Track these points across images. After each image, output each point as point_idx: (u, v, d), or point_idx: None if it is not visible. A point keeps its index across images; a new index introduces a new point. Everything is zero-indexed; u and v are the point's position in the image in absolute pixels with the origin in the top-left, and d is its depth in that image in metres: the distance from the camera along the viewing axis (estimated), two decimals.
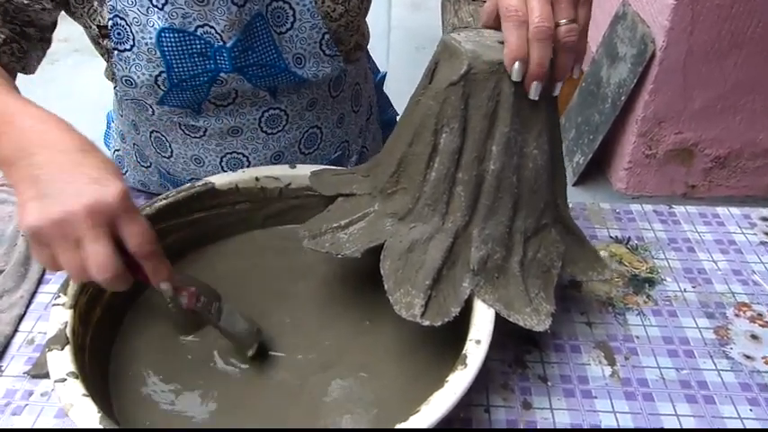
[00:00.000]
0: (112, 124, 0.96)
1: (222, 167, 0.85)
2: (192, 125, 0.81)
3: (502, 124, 0.57)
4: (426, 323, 0.55)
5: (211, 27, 0.72)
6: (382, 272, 0.58)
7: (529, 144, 0.59)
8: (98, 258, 0.50)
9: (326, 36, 0.78)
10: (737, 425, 0.61)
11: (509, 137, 0.57)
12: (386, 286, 0.57)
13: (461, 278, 0.58)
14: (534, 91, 0.56)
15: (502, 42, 0.57)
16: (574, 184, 2.29)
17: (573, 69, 0.58)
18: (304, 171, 0.73)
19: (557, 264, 0.62)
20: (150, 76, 0.74)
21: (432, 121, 0.58)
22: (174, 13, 0.71)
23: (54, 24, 0.76)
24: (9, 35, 0.70)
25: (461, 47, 0.56)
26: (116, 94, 0.86)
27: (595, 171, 2.32)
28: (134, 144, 0.90)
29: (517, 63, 0.54)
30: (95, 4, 0.72)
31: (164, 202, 0.69)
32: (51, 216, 0.49)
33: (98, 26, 0.74)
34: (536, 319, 0.57)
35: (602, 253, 0.80)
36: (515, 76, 0.55)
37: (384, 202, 0.63)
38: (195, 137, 0.82)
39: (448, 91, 0.57)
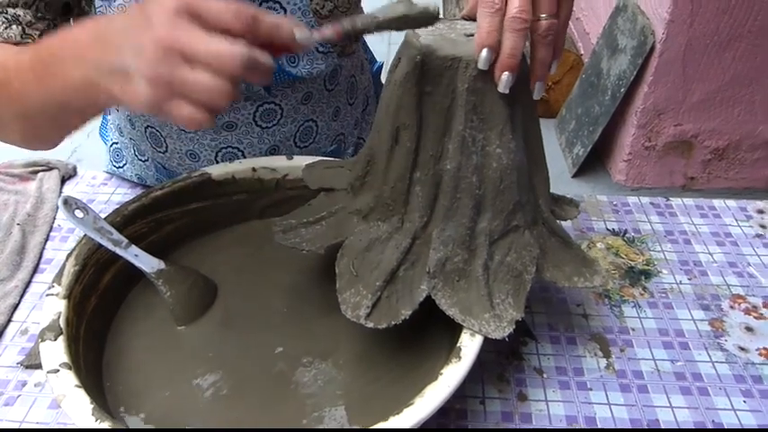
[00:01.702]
0: (109, 117, 0.96)
1: (217, 162, 0.84)
2: None
3: (456, 122, 0.55)
4: (370, 325, 0.54)
5: None
6: (336, 270, 0.57)
7: (491, 143, 0.56)
8: (218, 50, 0.44)
9: None
10: (731, 417, 0.61)
11: (464, 135, 0.55)
12: (337, 285, 0.57)
13: (419, 280, 0.56)
14: (505, 83, 0.52)
15: (471, 35, 0.55)
16: (573, 176, 2.29)
17: (541, 83, 0.55)
18: (301, 162, 0.73)
19: (530, 268, 0.59)
20: None
21: (391, 119, 0.57)
22: None
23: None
24: (43, 30, 0.69)
25: (418, 41, 0.54)
26: None
27: (595, 162, 2.31)
28: (130, 138, 0.90)
29: (485, 50, 0.51)
30: (83, 3, 0.71)
31: (160, 192, 0.69)
32: (149, 66, 0.44)
33: None
34: (494, 326, 0.54)
35: (599, 245, 0.80)
36: (482, 64, 0.52)
37: (353, 199, 0.63)
38: (190, 132, 0.82)
39: (403, 87, 0.55)
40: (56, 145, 0.66)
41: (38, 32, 0.68)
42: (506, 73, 0.52)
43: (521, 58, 0.52)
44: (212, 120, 0.46)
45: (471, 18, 0.57)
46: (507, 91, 0.53)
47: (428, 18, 0.54)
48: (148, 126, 0.84)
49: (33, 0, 0.67)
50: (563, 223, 0.66)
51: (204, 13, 0.45)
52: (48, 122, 0.60)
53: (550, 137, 2.47)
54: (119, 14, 0.48)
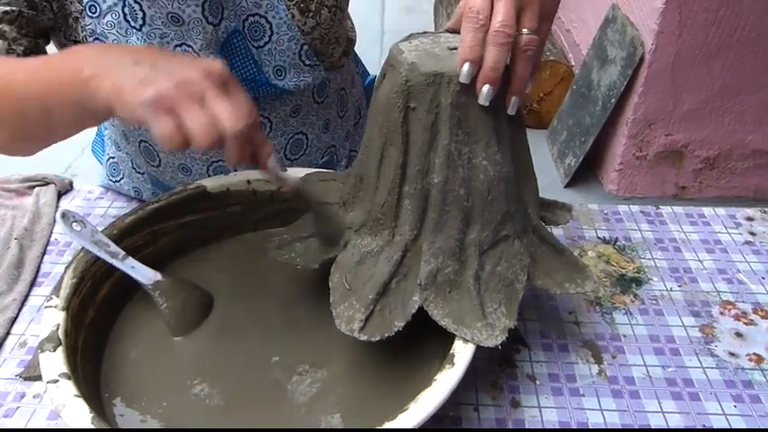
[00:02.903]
0: (105, 132, 0.97)
1: (209, 176, 0.85)
2: None
3: (442, 137, 0.56)
4: (364, 338, 0.54)
5: (189, 46, 0.73)
6: (330, 285, 0.58)
7: (477, 155, 0.57)
8: (230, 108, 0.50)
9: (305, 47, 0.78)
10: (722, 421, 0.62)
11: (449, 149, 0.56)
12: (331, 299, 0.57)
13: (411, 292, 0.57)
14: (485, 96, 0.53)
15: (454, 49, 0.56)
16: (566, 186, 2.30)
17: (517, 98, 0.56)
18: (295, 175, 0.73)
19: (521, 277, 0.60)
20: None
21: (378, 134, 0.58)
22: (152, 34, 0.71)
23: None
24: (27, 46, 0.69)
25: (401, 57, 0.56)
26: None
27: (587, 173, 2.33)
28: (126, 153, 0.91)
29: (467, 65, 0.52)
30: (70, 20, 0.72)
31: (156, 205, 0.70)
32: (173, 78, 0.49)
33: (74, 41, 0.74)
34: (486, 334, 0.55)
35: (590, 253, 0.81)
36: (464, 78, 0.53)
37: (345, 214, 0.64)
38: None
39: (389, 104, 0.56)
40: (36, 152, 0.67)
41: (21, 48, 0.69)
42: (487, 86, 0.53)
43: (503, 72, 0.53)
44: (181, 149, 0.50)
45: (456, 31, 0.58)
46: (487, 103, 0.54)
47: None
48: (142, 140, 0.85)
49: (16, 16, 0.68)
50: (554, 231, 0.67)
51: (231, 89, 0.52)
52: (40, 118, 0.60)
53: (542, 148, 2.48)
54: (160, 49, 0.54)
